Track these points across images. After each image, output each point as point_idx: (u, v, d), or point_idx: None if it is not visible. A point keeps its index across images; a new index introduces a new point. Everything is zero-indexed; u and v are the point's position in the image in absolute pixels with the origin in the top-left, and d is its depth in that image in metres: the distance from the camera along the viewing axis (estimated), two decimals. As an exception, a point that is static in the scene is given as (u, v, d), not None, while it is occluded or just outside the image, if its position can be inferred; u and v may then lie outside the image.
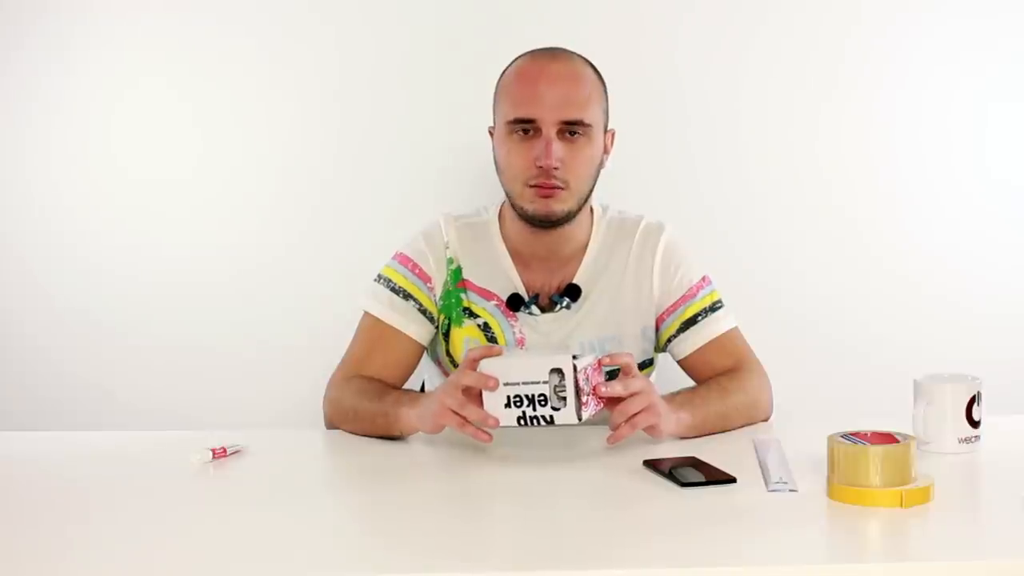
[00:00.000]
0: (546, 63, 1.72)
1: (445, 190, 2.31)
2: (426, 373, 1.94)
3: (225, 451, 1.57)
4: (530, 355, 1.54)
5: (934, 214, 2.35)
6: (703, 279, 1.80)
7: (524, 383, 1.45)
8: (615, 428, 1.49)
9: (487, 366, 1.47)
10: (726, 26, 2.31)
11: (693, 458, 1.47)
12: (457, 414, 1.48)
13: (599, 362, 1.50)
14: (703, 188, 2.27)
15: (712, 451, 1.51)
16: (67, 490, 1.46)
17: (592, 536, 1.25)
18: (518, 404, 1.46)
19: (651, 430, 1.53)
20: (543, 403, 1.45)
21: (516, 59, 1.76)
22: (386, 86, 2.32)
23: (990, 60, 2.31)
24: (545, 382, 1.45)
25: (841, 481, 1.29)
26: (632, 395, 1.49)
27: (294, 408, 2.33)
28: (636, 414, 1.49)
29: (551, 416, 1.46)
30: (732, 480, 1.38)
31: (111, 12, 2.30)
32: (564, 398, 1.44)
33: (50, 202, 2.34)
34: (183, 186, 2.35)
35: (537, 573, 1.13)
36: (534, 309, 1.78)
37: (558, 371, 1.45)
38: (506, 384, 1.45)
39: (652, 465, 1.44)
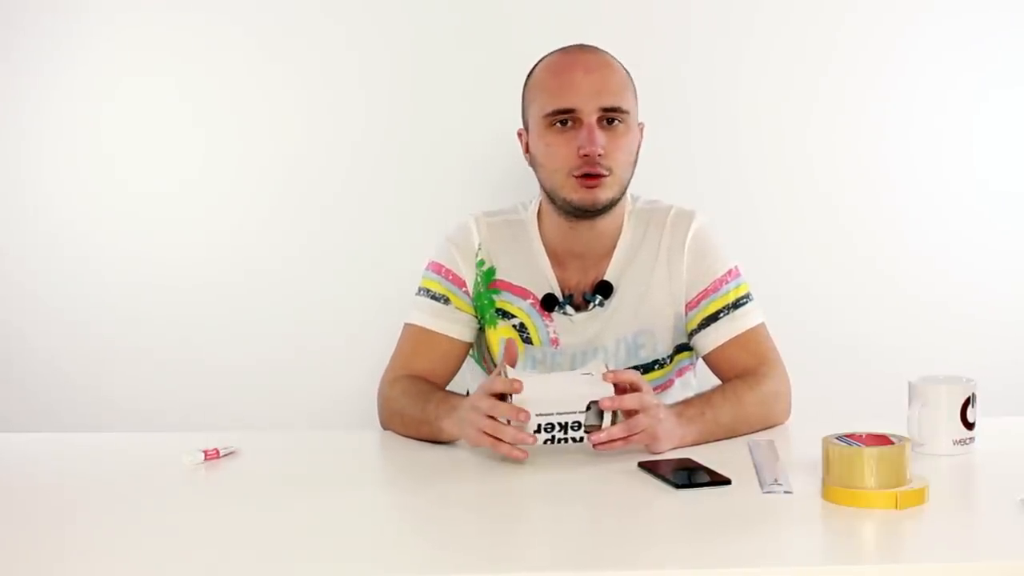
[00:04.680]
0: (578, 55, 1.73)
1: (452, 193, 2.30)
2: (468, 374, 1.94)
3: (218, 452, 1.57)
4: (563, 384, 1.52)
5: (929, 216, 2.35)
6: (729, 272, 1.77)
7: (559, 412, 1.45)
8: (608, 441, 1.47)
9: (521, 396, 1.45)
10: (725, 26, 2.31)
11: (688, 460, 1.47)
12: (490, 435, 1.47)
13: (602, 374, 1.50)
14: (694, 191, 2.27)
15: (707, 453, 1.51)
16: (59, 491, 1.45)
17: (586, 538, 1.25)
18: (549, 430, 1.46)
19: (649, 445, 1.52)
20: (576, 428, 1.46)
21: (543, 58, 1.76)
22: (398, 87, 2.31)
23: (984, 59, 2.32)
24: (582, 412, 1.45)
25: (836, 483, 1.29)
26: (635, 413, 1.48)
27: (288, 410, 2.34)
28: (633, 435, 1.48)
29: (581, 438, 1.47)
30: (727, 482, 1.37)
31: (113, 11, 2.30)
32: (598, 425, 1.46)
33: (46, 203, 2.34)
34: (183, 189, 2.34)
35: (530, 575, 1.13)
36: (568, 309, 1.78)
37: (595, 401, 1.46)
38: (539, 415, 1.45)
39: (647, 467, 1.44)
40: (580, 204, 1.71)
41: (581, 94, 1.68)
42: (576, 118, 1.68)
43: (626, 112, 1.70)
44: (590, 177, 1.68)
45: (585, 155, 1.67)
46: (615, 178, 1.70)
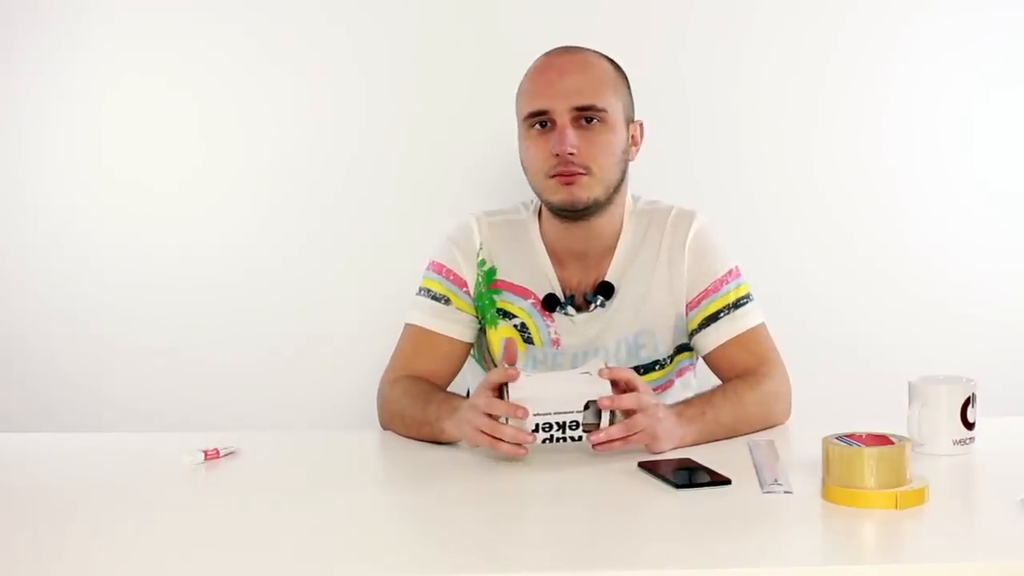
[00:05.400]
0: (555, 58, 1.74)
1: (452, 192, 2.31)
2: (469, 374, 1.94)
3: (218, 452, 1.57)
4: (561, 383, 1.52)
5: (929, 216, 2.35)
6: (730, 272, 1.77)
7: (557, 412, 1.45)
8: (607, 441, 1.47)
9: (518, 396, 1.46)
10: (725, 26, 2.31)
11: (688, 460, 1.47)
12: (488, 435, 1.47)
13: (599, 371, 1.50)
14: (694, 191, 2.27)
15: (707, 453, 1.51)
16: (59, 491, 1.45)
17: (586, 538, 1.25)
18: (547, 429, 1.46)
19: (649, 444, 1.52)
20: (574, 427, 1.46)
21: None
22: (397, 86, 2.31)
23: (984, 59, 2.32)
24: (580, 411, 1.46)
25: (836, 483, 1.29)
26: (634, 413, 1.48)
27: (288, 410, 2.34)
28: (632, 435, 1.48)
29: (580, 437, 1.47)
30: (727, 482, 1.37)
31: (112, 11, 2.30)
32: (597, 424, 1.46)
33: (46, 203, 2.34)
34: (183, 188, 2.34)
35: (530, 575, 1.13)
36: (570, 310, 1.77)
37: (594, 401, 1.46)
38: (536, 414, 1.45)
39: (647, 467, 1.44)
40: (560, 204, 1.71)
41: (553, 96, 1.68)
42: (551, 119, 1.69)
43: (602, 111, 1.69)
44: (564, 175, 1.69)
45: (556, 155, 1.68)
46: (595, 177, 1.70)
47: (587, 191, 1.70)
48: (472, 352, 1.87)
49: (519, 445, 1.46)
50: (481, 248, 1.81)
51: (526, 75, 1.75)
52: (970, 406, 1.49)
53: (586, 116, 1.69)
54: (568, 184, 1.69)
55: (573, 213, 1.73)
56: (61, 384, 2.35)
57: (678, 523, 1.28)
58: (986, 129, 2.34)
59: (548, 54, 1.75)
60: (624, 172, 1.76)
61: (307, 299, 2.35)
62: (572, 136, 1.67)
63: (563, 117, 1.68)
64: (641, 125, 1.78)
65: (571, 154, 1.67)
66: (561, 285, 1.79)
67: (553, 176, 1.69)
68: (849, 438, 1.31)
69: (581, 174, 1.69)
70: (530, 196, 1.85)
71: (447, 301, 1.79)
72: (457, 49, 2.31)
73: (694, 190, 2.24)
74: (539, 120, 1.70)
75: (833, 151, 2.34)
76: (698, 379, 1.90)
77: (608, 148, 1.71)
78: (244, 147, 2.34)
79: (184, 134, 2.34)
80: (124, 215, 2.34)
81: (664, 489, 1.37)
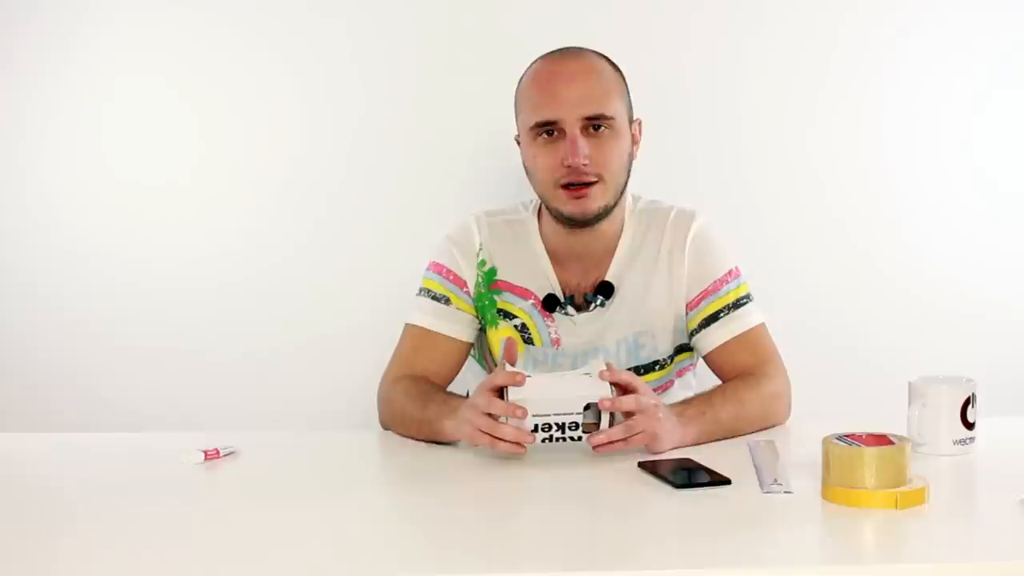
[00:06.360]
0: (560, 62, 1.72)
1: (451, 192, 2.31)
2: (469, 374, 1.93)
3: (218, 452, 1.57)
4: (561, 384, 1.52)
5: (929, 216, 2.35)
6: (729, 272, 1.77)
7: (556, 414, 1.45)
8: (608, 441, 1.47)
9: (518, 397, 1.46)
10: (727, 25, 2.31)
11: (688, 460, 1.47)
12: (488, 434, 1.47)
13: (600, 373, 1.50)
14: (695, 191, 2.27)
15: (707, 453, 1.51)
16: (59, 491, 1.45)
17: (586, 538, 1.25)
18: (546, 430, 1.46)
19: (649, 444, 1.52)
20: (574, 428, 1.46)
21: (531, 65, 1.76)
22: (396, 85, 2.31)
23: (986, 59, 2.32)
24: (579, 413, 1.46)
25: (836, 483, 1.29)
26: (634, 415, 1.48)
27: (288, 410, 2.34)
28: (633, 435, 1.48)
29: (580, 437, 1.47)
30: (727, 482, 1.37)
31: (111, 11, 2.30)
32: (597, 424, 1.46)
33: (45, 203, 2.34)
34: (181, 188, 2.34)
35: (530, 575, 1.13)
36: (570, 309, 1.77)
37: (594, 402, 1.46)
38: (536, 415, 1.45)
39: (647, 467, 1.44)
40: (571, 216, 1.72)
41: (562, 105, 1.67)
42: (560, 128, 1.68)
43: (611, 118, 1.69)
44: (576, 188, 1.68)
45: (569, 166, 1.67)
46: (605, 185, 1.70)
47: (598, 201, 1.70)
48: (472, 352, 1.87)
49: (518, 443, 1.46)
50: (481, 248, 1.81)
51: (529, 80, 1.73)
52: (970, 406, 1.49)
53: (594, 124, 1.68)
54: (580, 198, 1.69)
55: (582, 222, 1.73)
56: (61, 384, 2.35)
57: (678, 523, 1.28)
58: (987, 129, 2.34)
59: (550, 58, 1.74)
60: (629, 174, 1.76)
61: (307, 299, 2.35)
62: (584, 145, 1.67)
63: (573, 127, 1.67)
64: (639, 123, 1.78)
65: (584, 164, 1.67)
66: (561, 285, 1.79)
67: (563, 186, 1.69)
68: (849, 438, 1.31)
69: (593, 183, 1.69)
70: (529, 196, 1.85)
71: (447, 301, 1.79)
72: (456, 48, 2.31)
73: (694, 190, 2.24)
74: (546, 129, 1.69)
75: (834, 151, 2.34)
76: (698, 379, 1.90)
77: (617, 154, 1.71)
78: (243, 147, 2.34)
79: (183, 134, 2.34)
80: (124, 215, 2.34)
81: (664, 489, 1.37)
